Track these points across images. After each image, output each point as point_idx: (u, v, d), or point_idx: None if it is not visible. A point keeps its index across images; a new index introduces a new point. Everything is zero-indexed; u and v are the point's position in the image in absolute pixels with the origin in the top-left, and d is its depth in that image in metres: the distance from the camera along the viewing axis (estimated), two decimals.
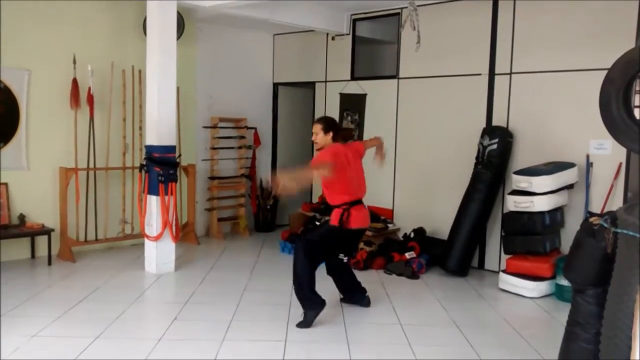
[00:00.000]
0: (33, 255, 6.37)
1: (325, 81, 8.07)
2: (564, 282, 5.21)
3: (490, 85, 6.29)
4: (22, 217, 6.17)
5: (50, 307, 4.76)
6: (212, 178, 7.93)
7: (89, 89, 6.49)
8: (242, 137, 8.22)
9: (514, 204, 5.63)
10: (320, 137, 4.72)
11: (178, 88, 6.15)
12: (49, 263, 6.13)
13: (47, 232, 6.17)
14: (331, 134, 4.71)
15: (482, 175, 6.07)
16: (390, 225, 7.04)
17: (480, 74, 6.35)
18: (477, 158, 6.18)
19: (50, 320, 4.44)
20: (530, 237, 5.54)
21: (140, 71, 6.81)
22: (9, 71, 6.11)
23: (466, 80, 6.48)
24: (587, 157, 5.56)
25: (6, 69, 6.08)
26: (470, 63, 6.43)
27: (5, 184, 6.15)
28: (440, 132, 6.75)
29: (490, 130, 6.13)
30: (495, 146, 5.98)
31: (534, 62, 5.93)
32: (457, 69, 6.55)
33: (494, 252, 6.35)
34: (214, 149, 7.93)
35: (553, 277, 5.48)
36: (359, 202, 4.82)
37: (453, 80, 6.61)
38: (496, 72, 6.23)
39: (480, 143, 6.13)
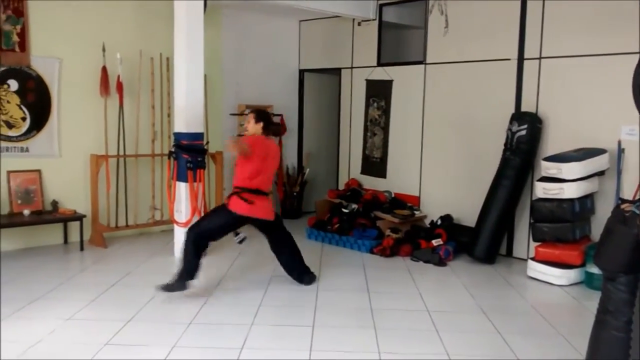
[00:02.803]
0: (66, 241, 6.51)
1: (351, 67, 8.04)
2: (594, 270, 5.15)
3: (519, 70, 6.20)
4: (54, 204, 6.31)
5: (84, 291, 4.89)
6: None
7: (118, 76, 6.58)
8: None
9: (543, 190, 5.57)
10: (251, 125, 4.96)
11: (205, 76, 6.19)
12: (81, 248, 6.27)
13: (79, 218, 6.30)
14: (261, 124, 4.93)
15: (511, 161, 6.00)
16: (417, 212, 7.03)
17: (509, 59, 6.26)
18: (505, 144, 6.11)
19: (84, 304, 4.55)
20: (559, 225, 5.48)
21: (168, 59, 6.88)
22: (41, 60, 6.23)
23: (494, 65, 6.39)
24: (619, 143, 5.46)
25: (38, 58, 6.20)
26: (498, 48, 6.34)
27: (39, 171, 6.29)
28: (467, 118, 6.69)
29: (519, 116, 6.06)
30: (524, 132, 5.91)
31: (565, 46, 5.82)
32: (485, 54, 6.47)
33: (522, 239, 6.29)
34: (241, 135, 7.97)
35: (583, 265, 5.42)
36: (256, 191, 4.90)
37: (481, 66, 6.53)
38: (525, 56, 6.14)
39: (509, 129, 6.06)
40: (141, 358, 3.63)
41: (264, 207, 4.94)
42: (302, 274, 5.23)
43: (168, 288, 4.66)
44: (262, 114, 5.01)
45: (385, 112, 7.62)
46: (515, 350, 3.86)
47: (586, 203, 5.52)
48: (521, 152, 5.96)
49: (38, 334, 3.92)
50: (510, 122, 6.07)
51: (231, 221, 4.89)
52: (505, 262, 6.19)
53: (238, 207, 4.81)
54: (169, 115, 6.96)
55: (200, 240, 4.82)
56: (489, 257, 6.08)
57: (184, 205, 5.98)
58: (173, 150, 6.00)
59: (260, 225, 5.07)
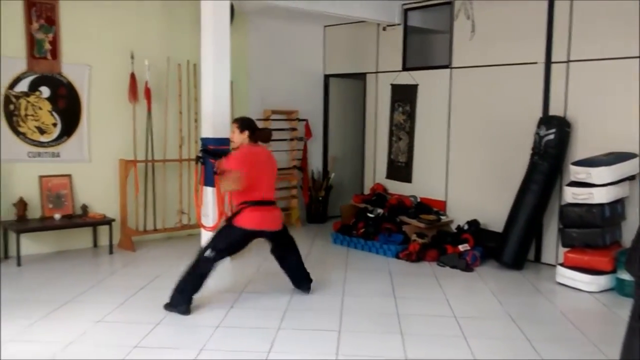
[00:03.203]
0: (95, 245, 6.64)
1: (376, 72, 8.04)
2: (625, 276, 5.06)
3: (547, 73, 6.13)
4: (84, 208, 6.43)
5: (113, 294, 4.97)
6: None
7: (147, 83, 6.69)
8: (294, 129, 8.30)
9: (572, 195, 5.49)
10: (236, 135, 4.85)
11: (231, 82, 6.25)
12: (110, 252, 6.37)
13: (108, 222, 6.40)
14: (247, 132, 4.80)
15: (539, 166, 5.94)
16: (443, 217, 6.99)
17: (536, 63, 6.20)
18: (533, 148, 6.05)
19: (113, 307, 4.62)
20: (589, 230, 5.40)
21: (195, 65, 6.96)
22: (71, 67, 6.37)
23: (521, 69, 6.34)
24: None
25: (68, 65, 6.34)
26: (525, 51, 6.29)
27: (69, 176, 6.42)
28: (494, 122, 6.64)
29: (547, 120, 5.99)
30: (552, 136, 5.84)
31: (593, 49, 5.74)
32: (512, 58, 6.42)
33: (550, 245, 6.21)
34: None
35: (613, 271, 5.32)
36: (262, 202, 4.73)
37: (508, 69, 6.47)
38: (553, 60, 6.07)
39: (537, 133, 6.00)
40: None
41: (274, 218, 4.82)
42: (303, 280, 5.12)
43: (169, 306, 4.55)
44: (245, 122, 4.88)
45: (411, 116, 7.60)
46: (545, 358, 3.81)
47: (616, 208, 5.43)
48: (549, 157, 5.89)
49: (70, 336, 3.99)
50: (538, 126, 6.01)
51: (241, 238, 4.72)
52: (533, 268, 6.12)
53: (248, 222, 4.63)
54: (196, 121, 7.04)
55: (211, 262, 4.62)
56: (517, 262, 6.01)
57: (211, 209, 6.04)
58: (200, 155, 6.05)
59: (271, 235, 4.91)
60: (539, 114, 6.17)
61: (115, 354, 3.72)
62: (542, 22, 6.11)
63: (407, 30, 7.62)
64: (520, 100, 6.37)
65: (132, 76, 6.64)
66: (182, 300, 4.52)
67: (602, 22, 5.68)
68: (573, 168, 5.55)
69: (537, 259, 6.32)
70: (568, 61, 5.95)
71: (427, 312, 4.70)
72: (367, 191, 8.08)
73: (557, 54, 6.03)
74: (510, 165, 6.42)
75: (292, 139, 8.33)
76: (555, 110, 6.08)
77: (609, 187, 5.31)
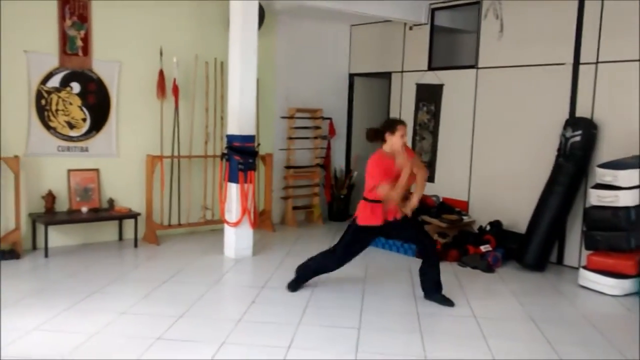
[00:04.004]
0: (121, 238, 6.76)
1: (402, 71, 8.03)
2: None
3: (575, 74, 6.07)
4: (111, 202, 6.56)
5: (138, 286, 5.07)
6: (288, 167, 8.10)
7: (174, 80, 6.79)
8: (318, 128, 8.34)
9: (597, 198, 5.43)
10: (405, 139, 4.81)
11: (258, 79, 6.31)
12: (135, 245, 6.49)
13: (134, 216, 6.52)
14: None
15: (564, 167, 5.89)
16: (465, 218, 6.96)
17: (564, 64, 6.14)
18: (559, 150, 6.00)
19: (138, 299, 4.72)
20: (613, 233, 5.34)
21: (222, 63, 7.05)
22: (101, 63, 6.49)
23: (549, 69, 6.28)
24: None
25: (99, 61, 6.47)
26: (553, 52, 6.23)
27: (97, 170, 6.55)
28: (520, 123, 6.59)
29: (573, 122, 5.94)
30: (578, 138, 5.79)
31: (622, 51, 5.67)
32: (540, 59, 6.36)
33: (574, 247, 6.15)
34: (290, 138, 8.09)
35: (638, 275, 5.26)
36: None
37: (535, 70, 6.42)
38: (581, 61, 6.01)
39: (563, 135, 5.94)
40: (191, 353, 3.74)
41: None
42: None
43: (292, 285, 5.08)
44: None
45: (435, 116, 7.58)
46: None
47: None
48: (575, 158, 5.84)
49: (95, 327, 4.09)
50: (564, 128, 5.96)
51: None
52: (555, 270, 6.07)
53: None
54: (222, 118, 7.13)
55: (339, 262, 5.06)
56: (539, 264, 5.97)
57: (234, 205, 6.11)
58: (225, 151, 6.14)
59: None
60: (565, 115, 6.11)
61: (138, 345, 3.80)
62: (571, 22, 6.05)
63: (434, 30, 7.60)
64: (546, 101, 6.32)
65: (161, 73, 6.75)
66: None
67: (632, 24, 5.60)
68: (599, 170, 5.49)
69: (560, 261, 6.27)
70: (597, 62, 5.88)
71: (447, 312, 4.69)
72: None
73: (586, 55, 5.97)
74: (534, 167, 6.37)
75: (315, 137, 8.37)
76: (582, 112, 6.01)
77: (635, 190, 5.24)
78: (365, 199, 4.79)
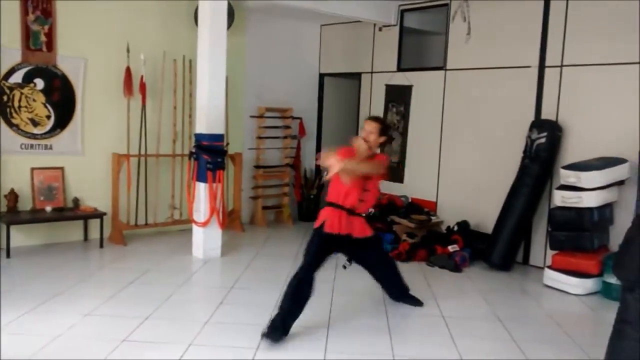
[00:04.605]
0: (86, 238, 6.63)
1: (372, 72, 8.07)
2: (612, 280, 5.12)
3: (540, 77, 6.18)
4: (76, 201, 6.43)
5: (103, 288, 4.97)
6: (257, 167, 8.05)
7: (142, 77, 6.68)
8: (288, 127, 8.31)
9: (561, 199, 5.54)
10: (374, 138, 4.30)
11: (227, 77, 6.26)
12: (101, 245, 6.37)
13: (99, 215, 6.40)
14: (384, 139, 4.38)
15: (530, 169, 5.99)
16: (433, 218, 7.03)
17: (529, 67, 6.25)
18: (524, 152, 6.10)
19: (102, 300, 4.62)
20: (577, 233, 5.45)
21: (190, 61, 6.97)
22: (66, 59, 6.35)
23: (515, 72, 6.38)
24: None
25: (64, 57, 6.33)
26: (519, 55, 6.33)
27: (62, 168, 6.41)
28: (487, 125, 6.69)
29: (539, 124, 6.04)
30: (543, 140, 5.89)
31: (587, 54, 5.79)
32: (506, 61, 6.46)
33: (539, 247, 6.27)
34: (260, 138, 8.05)
35: (600, 275, 5.38)
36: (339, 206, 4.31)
37: (501, 72, 6.52)
38: (546, 64, 6.12)
39: (529, 136, 6.05)
40: (158, 355, 3.68)
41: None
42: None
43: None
44: (387, 128, 4.50)
45: (404, 117, 7.63)
46: (531, 359, 3.85)
47: (605, 212, 5.49)
48: (540, 160, 5.94)
49: (58, 329, 3.99)
50: (530, 130, 6.06)
51: None
52: (521, 270, 6.17)
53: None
54: (190, 116, 7.05)
55: None
56: (505, 264, 6.06)
57: (202, 205, 6.05)
58: (194, 150, 6.08)
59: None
60: (531, 117, 6.21)
61: (103, 348, 3.72)
62: (537, 25, 6.16)
63: (403, 31, 7.65)
64: (513, 103, 6.42)
65: (128, 70, 6.63)
66: None
67: (596, 27, 5.72)
68: (563, 172, 5.60)
69: (526, 261, 6.38)
70: (561, 65, 6.00)
71: (415, 312, 4.73)
72: None
73: (551, 58, 6.08)
74: (501, 168, 6.47)
75: (285, 137, 8.34)
76: (547, 114, 6.12)
77: (598, 191, 5.36)
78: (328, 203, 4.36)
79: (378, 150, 4.46)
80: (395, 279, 4.83)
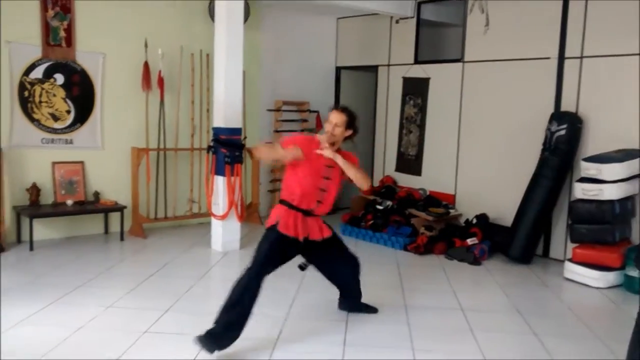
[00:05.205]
0: (106, 231, 6.70)
1: (388, 65, 8.04)
2: (634, 273, 5.07)
3: (560, 69, 6.11)
4: (96, 195, 6.50)
5: (124, 280, 5.03)
6: (275, 160, 8.05)
7: (160, 72, 6.73)
8: (305, 121, 8.32)
9: (582, 191, 5.49)
10: (340, 132, 3.87)
11: (244, 72, 6.27)
12: (122, 238, 6.43)
13: (119, 209, 6.47)
14: (350, 133, 3.94)
15: (550, 161, 5.93)
16: (452, 211, 7.00)
17: (549, 58, 6.18)
18: (544, 144, 6.04)
19: (123, 293, 4.68)
20: (598, 226, 5.40)
21: (208, 55, 6.99)
22: (86, 55, 6.41)
23: (534, 64, 6.31)
24: None
25: (83, 53, 6.39)
26: (539, 46, 6.26)
27: (82, 163, 6.48)
28: (505, 117, 6.63)
29: (558, 116, 5.98)
30: (563, 132, 5.83)
31: (607, 45, 5.71)
32: (525, 53, 6.40)
33: (559, 240, 6.21)
34: (277, 131, 8.06)
35: (622, 268, 5.32)
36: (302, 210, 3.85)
37: (520, 64, 6.45)
38: (566, 55, 6.05)
39: (548, 129, 5.99)
40: (178, 346, 3.72)
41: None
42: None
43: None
44: (355, 118, 4.01)
45: (422, 109, 7.59)
46: (551, 352, 3.83)
47: (626, 205, 5.43)
48: (560, 152, 5.88)
49: (81, 320, 4.05)
50: (550, 122, 6.00)
51: None
52: (541, 263, 6.13)
53: None
54: (208, 110, 7.08)
55: None
56: (525, 257, 6.02)
57: (221, 198, 6.09)
58: (212, 144, 6.11)
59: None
60: (550, 109, 6.15)
61: (125, 339, 3.77)
62: (556, 17, 6.08)
63: (420, 24, 7.60)
64: (532, 95, 6.36)
65: (146, 65, 6.68)
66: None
67: (617, 18, 5.64)
68: (584, 164, 5.54)
69: (546, 254, 6.33)
70: (581, 57, 5.92)
71: (434, 305, 4.72)
72: (376, 183, 8.09)
73: (571, 50, 6.01)
74: (520, 160, 6.42)
75: (302, 131, 8.34)
76: (567, 106, 6.06)
77: (619, 183, 5.30)
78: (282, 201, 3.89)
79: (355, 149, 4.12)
80: (357, 284, 4.34)
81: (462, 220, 6.93)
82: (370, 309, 4.43)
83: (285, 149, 3.77)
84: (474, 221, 6.59)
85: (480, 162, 6.93)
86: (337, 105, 4.00)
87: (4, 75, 5.93)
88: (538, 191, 5.97)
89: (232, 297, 3.62)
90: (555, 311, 4.74)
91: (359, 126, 4.05)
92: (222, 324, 3.57)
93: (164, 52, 6.71)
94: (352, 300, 4.40)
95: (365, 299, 4.74)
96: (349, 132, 3.91)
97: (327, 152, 3.77)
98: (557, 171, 5.93)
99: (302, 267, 4.11)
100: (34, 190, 6.10)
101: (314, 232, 3.88)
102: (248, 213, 7.32)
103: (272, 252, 3.74)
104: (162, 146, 6.89)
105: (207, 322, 4.08)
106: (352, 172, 3.87)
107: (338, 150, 3.91)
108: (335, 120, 3.85)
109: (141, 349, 3.63)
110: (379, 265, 5.88)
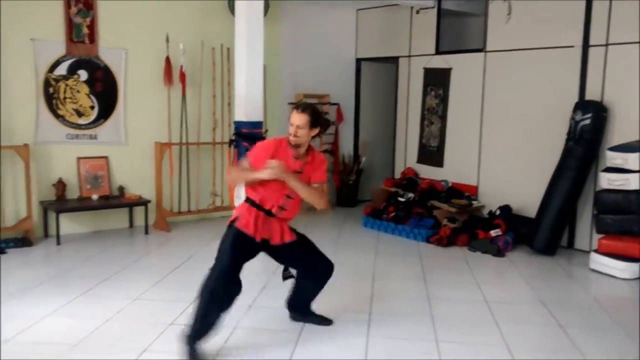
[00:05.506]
0: (131, 225, 6.79)
1: (409, 56, 7.98)
2: None
3: (584, 57, 6.01)
4: (121, 189, 6.58)
5: (149, 273, 5.10)
6: None
7: (181, 67, 6.78)
8: (325, 113, 8.31)
9: (607, 181, 5.41)
10: (304, 133, 3.56)
11: (264, 65, 6.28)
12: (146, 232, 6.52)
13: (144, 203, 6.55)
14: (317, 131, 3.62)
15: (574, 151, 5.86)
16: (474, 202, 6.95)
17: (573, 46, 6.08)
18: (568, 134, 5.96)
19: (149, 285, 4.75)
20: (624, 217, 5.32)
21: (228, 49, 7.02)
22: (108, 51, 6.48)
23: (558, 52, 6.22)
24: None
25: (105, 49, 6.46)
26: (562, 34, 6.17)
27: (106, 158, 6.57)
28: (528, 107, 6.55)
29: (583, 105, 5.90)
30: (588, 121, 5.75)
31: (634, 32, 5.60)
32: (548, 41, 6.30)
33: (584, 231, 6.13)
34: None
35: None
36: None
37: (543, 53, 6.36)
38: (591, 43, 5.95)
39: (572, 118, 5.91)
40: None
41: None
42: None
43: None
44: (319, 115, 3.67)
45: (443, 100, 7.54)
46: (577, 344, 3.79)
47: None
48: (585, 142, 5.80)
49: (107, 313, 4.12)
50: (574, 111, 5.92)
51: None
52: (566, 254, 6.06)
53: None
54: (229, 104, 7.12)
55: None
56: (550, 248, 5.96)
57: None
58: (233, 138, 6.13)
59: None
60: (575, 98, 6.06)
61: (151, 331, 3.83)
62: (580, 4, 5.98)
63: (441, 14, 7.53)
64: (555, 84, 6.27)
65: (167, 60, 6.74)
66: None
67: None
68: (609, 154, 5.46)
69: (570, 245, 6.25)
70: (607, 44, 5.82)
71: (458, 297, 4.70)
72: (398, 175, 8.07)
73: (596, 37, 5.91)
74: (544, 151, 6.34)
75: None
76: (591, 94, 5.97)
77: None
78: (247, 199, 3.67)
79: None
80: (315, 289, 3.97)
81: (485, 212, 6.88)
82: (326, 321, 4.04)
83: (256, 168, 3.52)
84: (497, 212, 6.54)
85: (503, 152, 6.87)
86: (296, 105, 3.67)
87: (29, 72, 6.02)
88: (563, 181, 5.90)
89: (199, 296, 3.50)
90: (581, 303, 4.69)
91: (325, 120, 3.77)
92: (192, 327, 3.45)
93: (185, 47, 6.75)
94: (303, 305, 4.05)
95: (387, 290, 4.77)
96: (315, 131, 3.60)
97: (271, 173, 3.44)
98: (582, 161, 5.85)
99: (286, 277, 3.86)
100: (60, 185, 6.20)
101: (275, 235, 3.63)
102: None
103: (234, 249, 3.52)
104: (184, 140, 6.95)
105: (232, 313, 4.13)
106: (303, 193, 3.55)
107: (308, 150, 3.65)
108: (296, 122, 3.54)
109: (167, 341, 3.68)
110: (401, 257, 5.88)
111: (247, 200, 3.66)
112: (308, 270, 3.87)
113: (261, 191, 3.58)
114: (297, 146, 3.59)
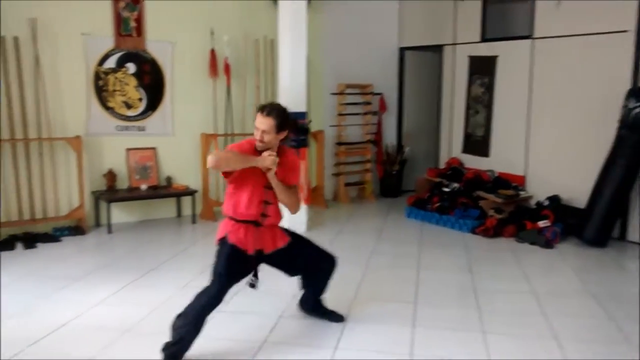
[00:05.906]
0: (179, 214, 6.94)
1: (454, 44, 7.86)
2: None
3: (638, 42, 5.80)
4: (168, 179, 6.72)
5: (197, 262, 5.19)
6: (339, 144, 8.09)
7: (226, 59, 6.85)
8: (368, 103, 8.28)
9: None
10: (270, 138, 3.38)
11: (307, 56, 6.30)
12: (193, 221, 6.65)
13: (191, 193, 6.67)
14: (284, 134, 3.45)
15: (627, 139, 5.67)
16: (522, 193, 6.82)
17: (626, 31, 5.88)
18: (620, 121, 5.78)
19: (197, 273, 4.83)
20: None
21: (272, 41, 7.06)
22: (154, 44, 6.61)
23: (609, 38, 6.02)
24: None
25: (152, 42, 6.58)
26: (614, 19, 5.96)
27: (154, 149, 6.71)
28: (578, 94, 6.37)
29: (636, 92, 5.69)
30: None
31: None
32: (600, 26, 6.10)
33: (637, 222, 5.94)
34: (341, 115, 8.07)
35: None
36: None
37: (595, 39, 6.17)
38: None
39: (625, 105, 5.72)
40: (252, 324, 3.85)
41: None
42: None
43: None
44: (285, 116, 3.45)
45: (489, 89, 7.40)
46: (629, 338, 3.70)
47: None
48: (638, 130, 5.61)
49: (157, 300, 4.23)
50: (627, 98, 5.72)
51: None
52: (617, 246, 5.89)
53: None
54: (273, 95, 7.16)
55: None
56: (600, 240, 5.80)
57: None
58: None
59: None
60: (627, 85, 5.86)
61: None
62: None
63: (486, 0, 7.38)
64: (607, 71, 6.08)
65: (212, 52, 6.82)
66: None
67: None
68: None
69: (622, 237, 6.07)
70: None
71: (505, 288, 4.63)
72: (442, 165, 7.98)
73: None
74: (594, 139, 6.17)
75: (366, 113, 8.32)
76: None
77: None
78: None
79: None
80: (322, 285, 3.90)
81: (532, 202, 6.74)
82: (333, 317, 3.94)
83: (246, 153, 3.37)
84: (546, 203, 6.40)
85: (551, 141, 6.71)
86: (261, 107, 3.43)
87: (80, 66, 6.19)
88: (615, 170, 5.73)
89: (189, 313, 3.39)
90: (633, 296, 4.55)
91: (293, 122, 3.60)
92: (179, 342, 3.34)
93: (230, 39, 6.82)
94: (313, 301, 3.96)
95: (432, 282, 4.74)
96: (283, 135, 3.43)
97: (273, 160, 3.31)
98: (635, 149, 5.66)
99: (252, 285, 3.57)
100: (111, 175, 6.38)
101: (267, 244, 3.52)
102: (313, 196, 7.38)
103: (230, 265, 3.41)
104: (229, 131, 7.04)
105: (278, 301, 4.19)
106: (283, 194, 3.46)
107: (279, 151, 3.45)
108: (262, 126, 3.35)
109: (216, 328, 3.75)
110: (446, 248, 5.82)
111: (230, 217, 3.51)
112: (310, 269, 3.80)
113: (238, 207, 3.43)
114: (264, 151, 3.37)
